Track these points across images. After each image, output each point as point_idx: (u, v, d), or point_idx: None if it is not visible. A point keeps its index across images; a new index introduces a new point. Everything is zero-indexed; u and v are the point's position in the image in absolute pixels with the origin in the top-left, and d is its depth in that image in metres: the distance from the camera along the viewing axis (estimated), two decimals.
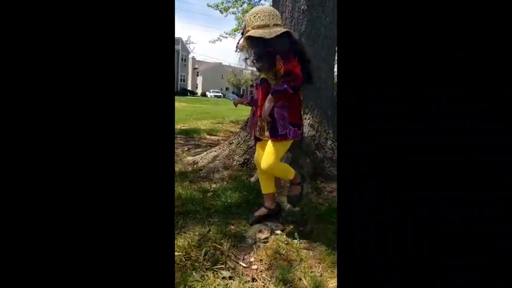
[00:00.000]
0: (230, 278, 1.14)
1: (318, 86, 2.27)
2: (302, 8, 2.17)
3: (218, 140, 4.25)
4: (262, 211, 1.58)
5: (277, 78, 1.37)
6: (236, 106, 1.72)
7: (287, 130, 1.40)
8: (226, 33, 7.35)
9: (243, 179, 2.06)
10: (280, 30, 1.35)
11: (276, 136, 1.40)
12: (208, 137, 4.56)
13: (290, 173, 1.52)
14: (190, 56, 46.30)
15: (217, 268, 1.17)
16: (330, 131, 2.31)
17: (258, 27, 1.36)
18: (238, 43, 1.49)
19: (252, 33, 1.34)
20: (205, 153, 2.68)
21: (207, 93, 41.50)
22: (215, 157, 2.42)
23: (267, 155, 1.41)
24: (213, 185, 1.99)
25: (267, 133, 1.43)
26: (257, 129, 1.52)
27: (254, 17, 1.37)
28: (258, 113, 1.46)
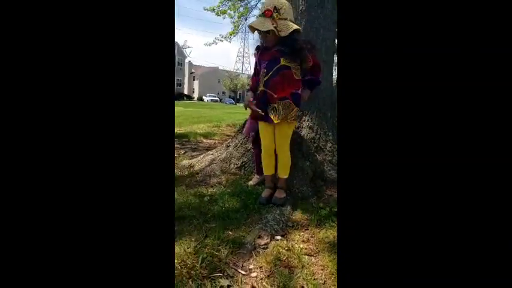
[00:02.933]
0: (229, 286, 1.07)
1: (317, 87, 2.24)
2: (300, 8, 2.14)
3: (215, 143, 4.18)
4: (267, 191, 1.78)
5: (301, 68, 1.67)
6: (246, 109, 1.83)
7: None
8: (222, 37, 7.27)
9: (240, 183, 2.00)
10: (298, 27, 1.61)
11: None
12: (204, 140, 4.50)
13: (289, 165, 1.78)
14: (187, 60, 46.40)
15: (214, 276, 1.10)
16: (330, 133, 2.27)
17: (291, 21, 1.59)
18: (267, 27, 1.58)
19: (294, 26, 1.56)
20: (201, 156, 2.62)
21: (204, 97, 41.47)
22: (212, 160, 2.36)
23: (286, 138, 1.71)
24: (210, 190, 1.93)
25: (275, 118, 1.63)
26: (271, 112, 1.66)
27: (288, 8, 1.59)
28: (277, 95, 1.63)
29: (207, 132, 5.51)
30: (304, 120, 2.21)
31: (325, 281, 1.14)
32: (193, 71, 48.47)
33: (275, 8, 1.53)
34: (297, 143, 2.13)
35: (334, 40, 2.34)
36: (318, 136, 2.19)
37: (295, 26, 1.57)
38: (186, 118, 8.29)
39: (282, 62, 1.60)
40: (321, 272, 1.20)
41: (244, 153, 2.25)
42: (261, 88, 1.68)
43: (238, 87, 45.96)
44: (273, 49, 1.62)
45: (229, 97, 45.79)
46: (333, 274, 1.18)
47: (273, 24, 1.52)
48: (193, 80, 48.35)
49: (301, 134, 2.16)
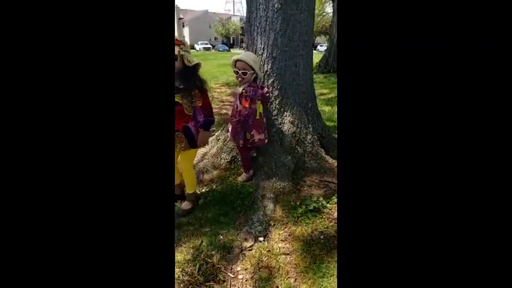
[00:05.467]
0: None
1: (296, 83, 2.35)
2: (276, 6, 2.14)
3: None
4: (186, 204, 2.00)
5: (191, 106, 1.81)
6: None
7: None
8: None
9: (230, 180, 2.26)
10: None
11: None
12: None
13: (194, 181, 2.06)
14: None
15: (208, 284, 1.42)
16: (310, 125, 2.44)
17: None
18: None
19: (196, 60, 1.76)
20: None
21: (195, 45, 39.58)
22: (204, 155, 2.58)
23: (185, 163, 1.96)
24: (204, 189, 2.19)
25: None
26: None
27: (188, 48, 1.76)
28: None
29: None
30: (285, 116, 2.37)
31: (295, 279, 1.46)
32: (181, 16, 45.39)
33: (180, 41, 1.67)
34: (278, 139, 2.33)
35: (311, 33, 2.37)
36: (298, 130, 2.37)
37: (197, 60, 1.74)
38: None
39: (176, 98, 1.71)
40: (293, 270, 1.51)
41: (233, 148, 2.46)
42: None
43: (231, 32, 43.60)
44: None
45: (222, 43, 43.70)
46: (302, 272, 1.49)
47: (179, 51, 1.65)
48: (183, 26, 45.57)
49: (283, 129, 2.34)
